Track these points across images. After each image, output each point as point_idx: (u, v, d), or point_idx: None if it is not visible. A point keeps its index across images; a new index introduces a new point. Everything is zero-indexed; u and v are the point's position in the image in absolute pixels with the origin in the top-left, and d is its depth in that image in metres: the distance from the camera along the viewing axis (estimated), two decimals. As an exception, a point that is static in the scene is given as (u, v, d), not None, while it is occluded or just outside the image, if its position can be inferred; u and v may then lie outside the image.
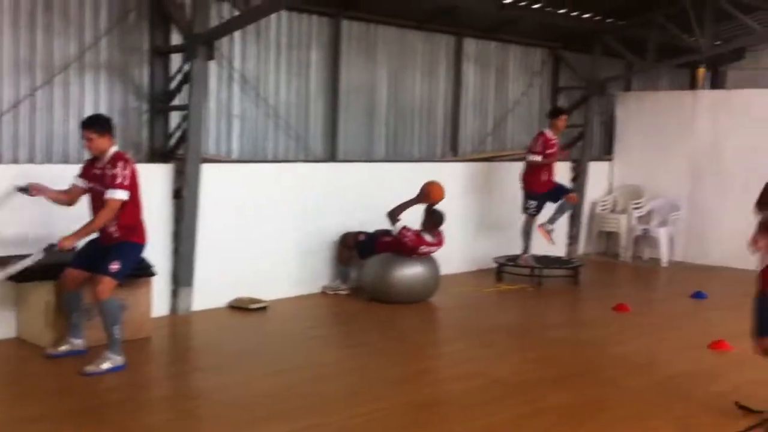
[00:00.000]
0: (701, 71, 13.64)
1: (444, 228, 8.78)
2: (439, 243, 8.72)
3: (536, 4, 10.81)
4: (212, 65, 8.14)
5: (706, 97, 12.41)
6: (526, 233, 10.12)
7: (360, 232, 8.89)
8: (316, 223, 8.87)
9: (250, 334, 7.35)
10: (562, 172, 10.94)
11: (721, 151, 11.63)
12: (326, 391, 5.75)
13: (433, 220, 8.72)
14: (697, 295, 9.39)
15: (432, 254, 8.73)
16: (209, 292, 7.88)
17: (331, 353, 6.92)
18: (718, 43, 11.98)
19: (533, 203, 10.00)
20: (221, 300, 8.05)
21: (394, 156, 10.32)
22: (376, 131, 10.21)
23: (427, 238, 8.63)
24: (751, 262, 11.03)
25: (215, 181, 7.88)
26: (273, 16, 8.80)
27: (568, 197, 10.10)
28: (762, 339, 5.55)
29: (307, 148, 9.42)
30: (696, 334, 7.66)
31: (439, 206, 8.76)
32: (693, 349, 7.16)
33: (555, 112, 10.39)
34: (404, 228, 8.52)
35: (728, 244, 11.31)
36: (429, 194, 8.65)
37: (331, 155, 9.64)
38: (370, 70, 10.03)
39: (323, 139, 9.63)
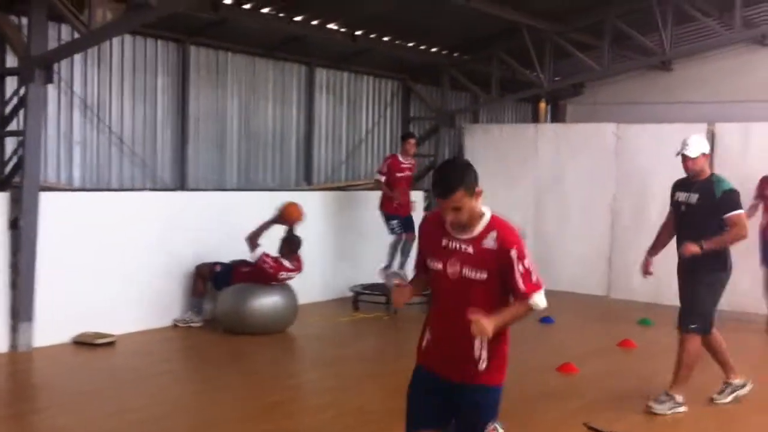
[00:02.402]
0: (542, 105, 14.27)
1: (301, 253, 8.70)
2: (297, 269, 8.63)
3: (386, 36, 11.00)
4: (51, 89, 7.77)
5: (548, 129, 12.97)
6: (392, 251, 10.13)
7: (216, 263, 8.66)
8: (165, 253, 8.55)
9: (95, 370, 6.96)
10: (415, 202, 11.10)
11: (562, 180, 12.15)
12: (174, 429, 5.50)
13: (291, 246, 8.64)
14: (545, 320, 9.70)
15: (290, 280, 8.62)
16: (52, 327, 7.42)
17: (180, 389, 6.64)
18: (558, 78, 12.58)
19: (394, 222, 10.07)
20: (65, 335, 7.61)
21: (246, 185, 10.15)
22: (227, 159, 10.01)
23: (286, 263, 8.52)
24: (593, 287, 11.62)
25: (55, 211, 7.46)
26: (116, 40, 8.52)
27: (409, 235, 10.11)
28: None
29: (154, 177, 9.11)
30: (544, 357, 7.89)
31: (296, 232, 8.69)
32: (542, 372, 7.36)
33: (403, 136, 10.71)
34: (264, 255, 8.39)
35: (571, 269, 11.81)
36: (286, 215, 8.59)
37: (181, 184, 9.36)
38: (220, 98, 9.86)
39: (172, 167, 9.36)
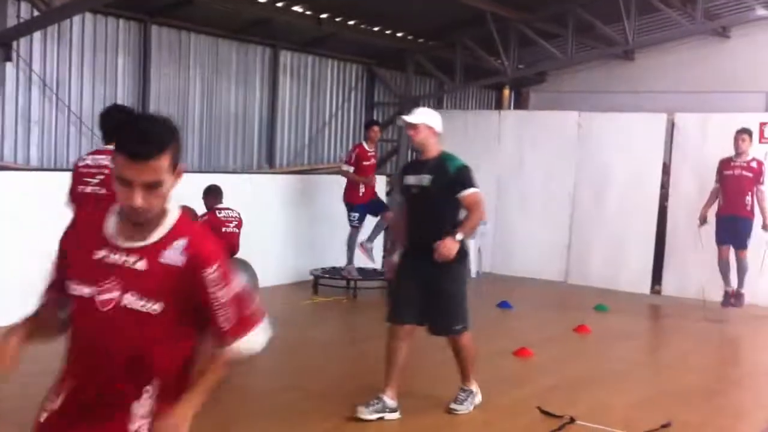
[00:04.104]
0: (506, 92, 14.34)
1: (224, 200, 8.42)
2: (231, 209, 8.30)
3: (352, 20, 10.97)
4: (9, 67, 7.66)
5: (511, 116, 13.03)
6: (350, 246, 10.17)
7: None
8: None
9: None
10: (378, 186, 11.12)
11: (524, 167, 12.24)
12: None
13: (212, 195, 8.25)
14: (503, 305, 9.80)
15: (239, 228, 8.35)
16: (6, 306, 7.30)
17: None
18: (522, 66, 12.64)
19: (355, 215, 10.08)
20: (19, 316, 7.49)
21: (208, 167, 10.09)
22: (189, 141, 9.93)
23: (220, 214, 8.33)
24: (552, 273, 11.75)
25: (10, 191, 7.35)
26: (76, 18, 8.40)
27: (384, 215, 10.24)
28: None
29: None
30: (501, 342, 7.95)
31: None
32: (498, 356, 7.42)
33: (367, 124, 10.69)
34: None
35: (531, 255, 11.93)
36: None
37: (140, 165, 9.27)
38: (182, 79, 9.78)
39: (132, 149, 9.26)
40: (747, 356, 8.71)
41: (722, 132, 10.25)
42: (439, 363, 6.42)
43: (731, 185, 9.44)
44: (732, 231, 9.38)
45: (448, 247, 5.32)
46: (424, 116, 5.64)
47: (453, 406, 5.73)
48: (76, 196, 5.09)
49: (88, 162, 5.08)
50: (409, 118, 5.65)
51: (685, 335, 9.06)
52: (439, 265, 5.40)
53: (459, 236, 5.39)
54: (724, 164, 9.56)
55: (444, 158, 5.60)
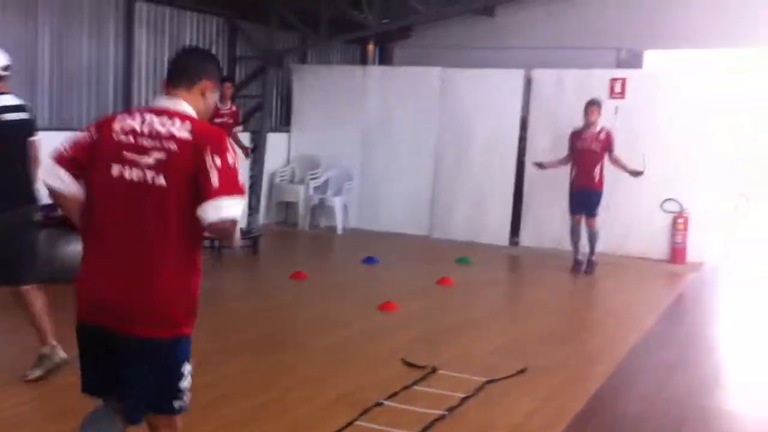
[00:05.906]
0: (370, 47, 14.30)
1: None
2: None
3: (211, -30, 10.63)
4: None
5: (376, 72, 13.04)
6: None
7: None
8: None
9: None
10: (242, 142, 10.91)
11: (390, 123, 12.31)
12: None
13: None
14: (369, 260, 9.89)
15: None
16: None
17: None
18: (386, 21, 12.61)
19: None
20: None
21: (60, 123, 9.59)
22: (38, 96, 9.41)
23: None
24: (416, 228, 11.94)
25: None
26: None
27: None
28: None
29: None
30: (367, 296, 8.06)
31: None
32: (365, 310, 7.52)
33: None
34: None
35: (396, 210, 12.09)
36: None
37: (-15, 122, 8.73)
38: (30, 29, 9.21)
39: (-26, 104, 8.69)
40: (599, 302, 9.16)
41: (577, 88, 10.61)
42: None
43: (582, 158, 9.74)
44: (584, 202, 9.80)
45: None
46: None
47: (28, 374, 5.23)
48: None
49: None
50: None
51: (542, 284, 9.44)
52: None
53: None
54: (575, 137, 9.83)
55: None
